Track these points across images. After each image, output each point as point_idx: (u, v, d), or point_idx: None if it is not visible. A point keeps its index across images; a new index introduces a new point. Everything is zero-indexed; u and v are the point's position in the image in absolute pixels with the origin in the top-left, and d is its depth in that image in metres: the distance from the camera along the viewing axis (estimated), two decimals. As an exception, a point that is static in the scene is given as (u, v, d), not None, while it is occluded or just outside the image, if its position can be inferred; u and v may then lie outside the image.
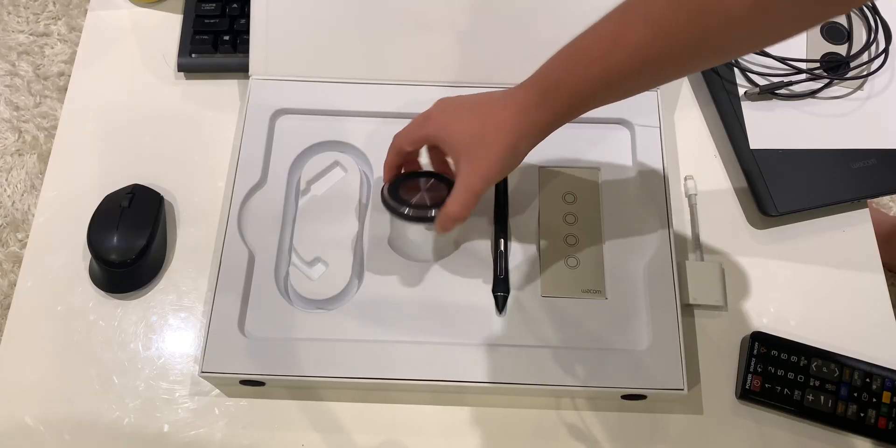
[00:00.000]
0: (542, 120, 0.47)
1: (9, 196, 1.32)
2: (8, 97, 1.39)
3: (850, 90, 0.65)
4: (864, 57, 0.66)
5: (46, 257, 0.59)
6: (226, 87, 0.66)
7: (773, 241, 0.61)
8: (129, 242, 0.57)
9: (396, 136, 0.53)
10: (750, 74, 0.65)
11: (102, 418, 0.54)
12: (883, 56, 0.66)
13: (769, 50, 0.65)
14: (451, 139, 0.49)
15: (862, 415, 0.53)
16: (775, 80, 0.64)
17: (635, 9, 0.41)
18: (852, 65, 0.65)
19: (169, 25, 0.69)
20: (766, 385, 0.54)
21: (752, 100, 0.64)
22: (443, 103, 0.51)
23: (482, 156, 0.47)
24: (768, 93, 0.64)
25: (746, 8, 0.36)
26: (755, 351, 0.54)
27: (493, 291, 0.55)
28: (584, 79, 0.44)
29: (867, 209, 0.62)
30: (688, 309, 0.58)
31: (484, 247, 0.57)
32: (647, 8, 0.40)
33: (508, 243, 0.57)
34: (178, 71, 0.66)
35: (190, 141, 0.64)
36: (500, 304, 0.55)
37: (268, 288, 0.55)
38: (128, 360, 0.56)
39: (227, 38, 0.66)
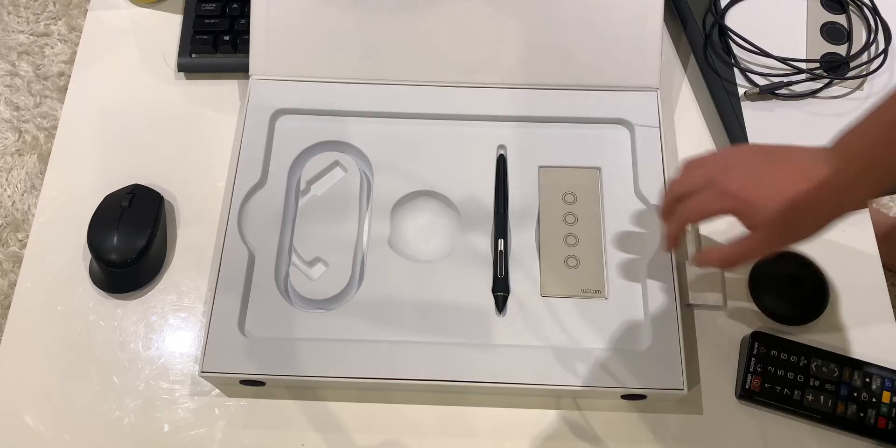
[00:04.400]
0: (856, 201, 0.43)
1: (9, 196, 1.32)
2: (8, 97, 1.39)
3: (849, 90, 0.65)
4: (864, 57, 0.66)
5: (46, 257, 0.59)
6: (226, 88, 0.66)
7: (773, 241, 0.61)
8: (129, 242, 0.57)
9: (685, 208, 0.48)
10: (750, 74, 0.65)
11: (102, 418, 0.54)
12: (882, 56, 0.66)
13: (769, 49, 0.65)
14: (754, 215, 0.44)
15: (862, 415, 0.53)
16: (775, 80, 0.64)
17: None
18: (852, 65, 0.65)
19: (169, 25, 0.69)
20: (766, 385, 0.54)
21: (752, 100, 0.64)
22: (736, 163, 0.45)
23: (789, 233, 0.44)
24: (768, 93, 0.64)
25: None
26: (755, 351, 0.54)
27: (493, 291, 0.55)
28: None
29: (867, 209, 0.62)
30: (688, 309, 0.58)
31: (484, 247, 0.57)
32: None
33: (508, 243, 0.57)
34: (178, 71, 0.66)
35: (190, 141, 0.64)
36: (500, 304, 0.55)
37: (268, 288, 0.55)
38: (128, 360, 0.56)
39: (227, 38, 0.66)
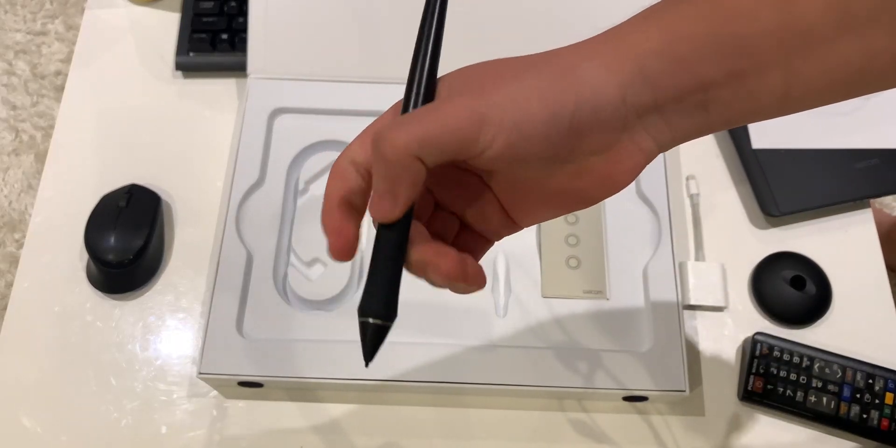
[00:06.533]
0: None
1: (5, 196, 1.31)
2: (5, 96, 1.38)
3: (852, 90, 0.65)
4: (866, 56, 0.66)
5: (43, 258, 0.59)
6: (224, 86, 0.66)
7: (776, 242, 0.60)
8: (127, 243, 0.56)
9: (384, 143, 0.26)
10: (751, 74, 0.65)
11: (100, 420, 0.53)
12: (885, 55, 0.65)
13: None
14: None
15: (864, 416, 0.53)
16: (777, 79, 0.64)
17: None
18: (854, 64, 0.65)
19: (167, 24, 0.68)
20: (768, 386, 0.53)
21: (754, 99, 0.64)
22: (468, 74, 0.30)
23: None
24: (770, 92, 0.64)
25: None
26: (757, 352, 0.54)
27: None
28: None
29: (870, 209, 0.62)
30: (689, 310, 0.57)
31: (484, 247, 0.57)
32: None
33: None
34: (176, 70, 0.66)
35: (188, 140, 0.64)
36: None
37: (266, 288, 0.55)
38: (125, 361, 0.55)
39: (225, 36, 0.66)
